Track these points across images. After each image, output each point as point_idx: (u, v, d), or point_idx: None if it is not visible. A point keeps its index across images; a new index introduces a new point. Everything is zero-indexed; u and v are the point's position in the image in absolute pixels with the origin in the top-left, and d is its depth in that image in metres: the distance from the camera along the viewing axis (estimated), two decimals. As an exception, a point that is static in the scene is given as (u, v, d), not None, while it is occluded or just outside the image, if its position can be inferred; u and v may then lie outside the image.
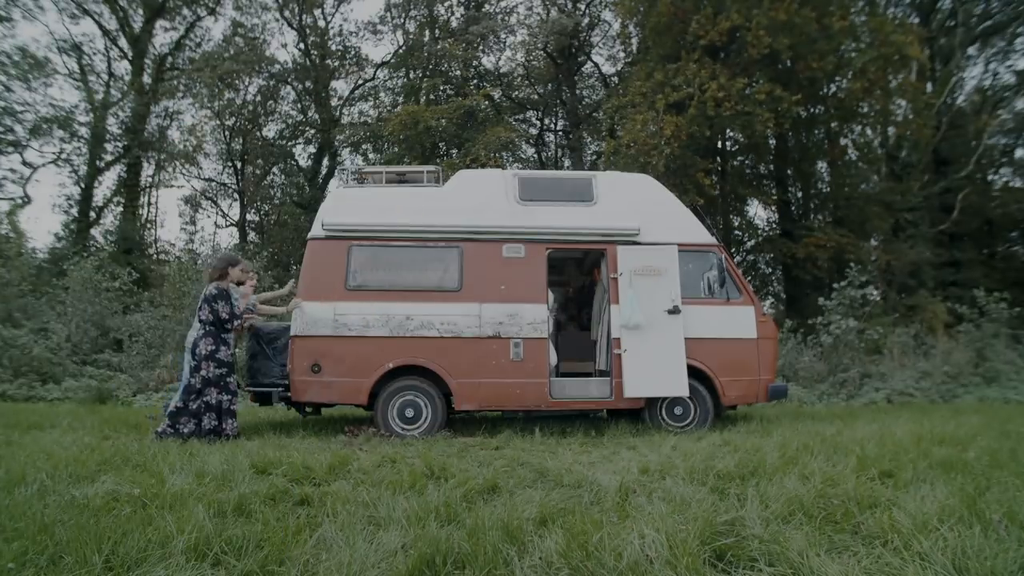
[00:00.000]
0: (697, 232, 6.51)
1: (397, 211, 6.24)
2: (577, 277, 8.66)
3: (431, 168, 6.67)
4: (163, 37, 21.22)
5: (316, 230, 6.21)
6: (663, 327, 6.07)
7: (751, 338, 6.30)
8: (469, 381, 5.95)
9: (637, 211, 6.39)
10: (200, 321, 5.56)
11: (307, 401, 6.01)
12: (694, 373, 6.12)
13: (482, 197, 6.38)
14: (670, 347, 6.04)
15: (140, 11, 20.07)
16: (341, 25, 30.93)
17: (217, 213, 24.63)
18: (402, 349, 5.94)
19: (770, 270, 19.75)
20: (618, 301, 6.17)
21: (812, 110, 16.77)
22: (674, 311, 6.09)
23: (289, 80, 22.45)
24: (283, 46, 26.80)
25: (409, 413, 5.94)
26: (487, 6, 20.75)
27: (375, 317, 5.95)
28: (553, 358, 6.24)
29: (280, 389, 6.02)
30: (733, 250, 18.70)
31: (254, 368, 6.17)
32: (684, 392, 6.02)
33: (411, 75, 21.06)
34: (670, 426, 6.13)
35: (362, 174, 6.81)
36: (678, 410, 6.24)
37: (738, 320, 6.31)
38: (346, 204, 6.35)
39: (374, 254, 6.18)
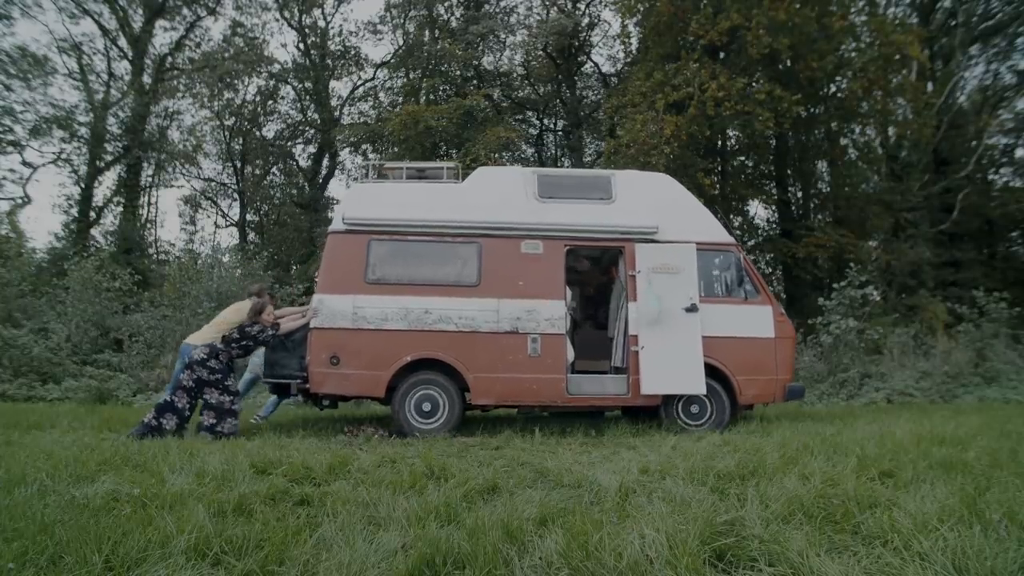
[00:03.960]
0: (715, 231, 6.53)
1: (417, 206, 6.28)
2: (594, 275, 8.66)
3: (451, 165, 6.76)
4: (163, 37, 21.25)
5: (336, 224, 6.26)
6: (681, 325, 6.07)
7: (769, 337, 6.30)
8: (486, 376, 5.98)
9: (655, 209, 6.40)
10: (225, 341, 5.77)
11: (325, 393, 6.05)
12: (711, 372, 6.11)
13: (501, 194, 6.41)
14: (687, 345, 6.04)
15: (140, 11, 20.05)
16: (341, 25, 31.05)
17: (217, 213, 24.68)
18: (420, 343, 5.97)
19: (770, 270, 19.72)
20: (635, 298, 6.18)
21: (812, 110, 16.74)
22: (692, 309, 6.09)
23: (289, 80, 22.45)
24: (283, 46, 26.89)
25: (426, 407, 5.97)
26: (487, 6, 20.73)
27: (394, 311, 5.97)
28: (570, 354, 6.24)
29: (298, 381, 6.04)
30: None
31: (273, 360, 6.19)
32: (701, 390, 6.02)
33: (411, 75, 21.05)
34: (686, 424, 6.13)
35: (382, 169, 6.85)
36: (694, 408, 6.24)
37: (756, 319, 6.31)
38: (366, 199, 6.39)
39: (393, 248, 6.22)
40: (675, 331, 6.05)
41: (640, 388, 6.01)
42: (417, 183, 6.53)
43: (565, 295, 6.24)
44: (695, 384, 6.00)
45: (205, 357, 5.64)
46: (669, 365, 6.01)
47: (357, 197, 6.48)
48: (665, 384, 6.04)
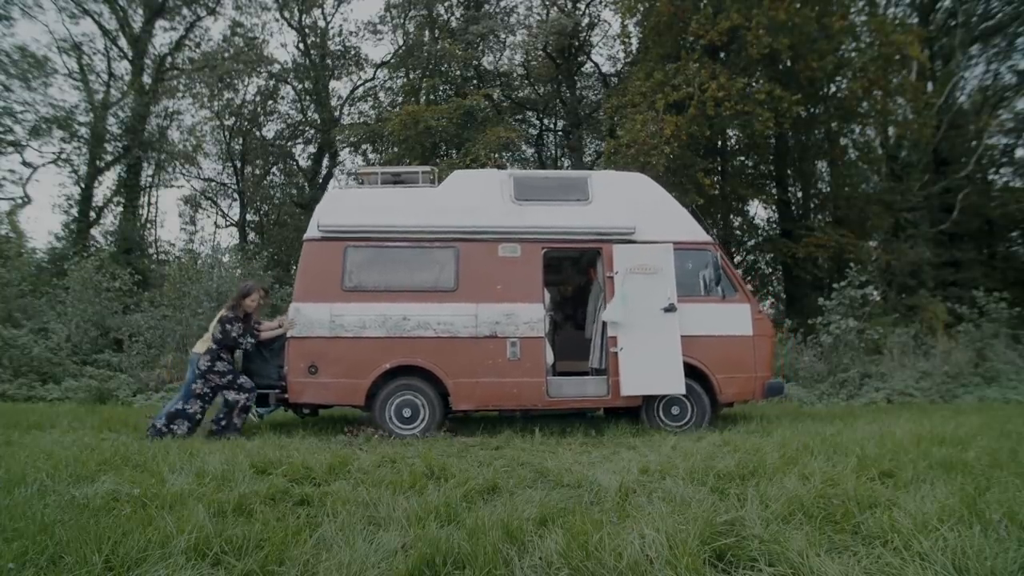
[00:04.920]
0: (693, 230, 6.52)
1: (393, 212, 6.24)
2: (573, 276, 8.66)
3: (426, 168, 6.69)
4: (163, 37, 21.22)
5: (312, 231, 6.22)
6: (659, 325, 6.06)
7: (747, 335, 6.31)
8: (466, 381, 5.96)
9: (632, 210, 6.40)
10: (213, 340, 5.77)
11: (304, 402, 6.03)
12: (691, 371, 6.11)
13: (478, 197, 6.38)
14: (666, 345, 6.03)
15: (140, 11, 20.04)
16: (341, 25, 31.06)
17: (217, 213, 24.65)
18: (399, 349, 5.95)
19: (770, 270, 19.73)
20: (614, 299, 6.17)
21: (812, 110, 16.74)
22: (670, 309, 6.08)
23: (289, 80, 22.46)
24: (283, 46, 26.92)
25: (406, 413, 5.95)
26: (487, 6, 20.73)
27: (372, 318, 5.95)
28: (549, 357, 6.24)
29: (277, 391, 6.02)
30: (733, 250, 18.71)
31: (251, 370, 6.16)
32: (681, 390, 6.02)
33: (411, 75, 21.05)
34: (667, 425, 6.13)
35: (358, 175, 6.82)
36: (675, 409, 6.24)
37: (734, 317, 6.32)
38: (342, 205, 6.37)
39: (370, 255, 6.18)
40: (654, 332, 6.05)
41: (620, 390, 6.01)
42: (393, 188, 6.49)
43: (544, 298, 6.23)
44: (675, 384, 5.99)
45: (210, 364, 5.69)
46: (648, 366, 6.00)
47: (332, 204, 6.44)
48: (645, 385, 6.03)
